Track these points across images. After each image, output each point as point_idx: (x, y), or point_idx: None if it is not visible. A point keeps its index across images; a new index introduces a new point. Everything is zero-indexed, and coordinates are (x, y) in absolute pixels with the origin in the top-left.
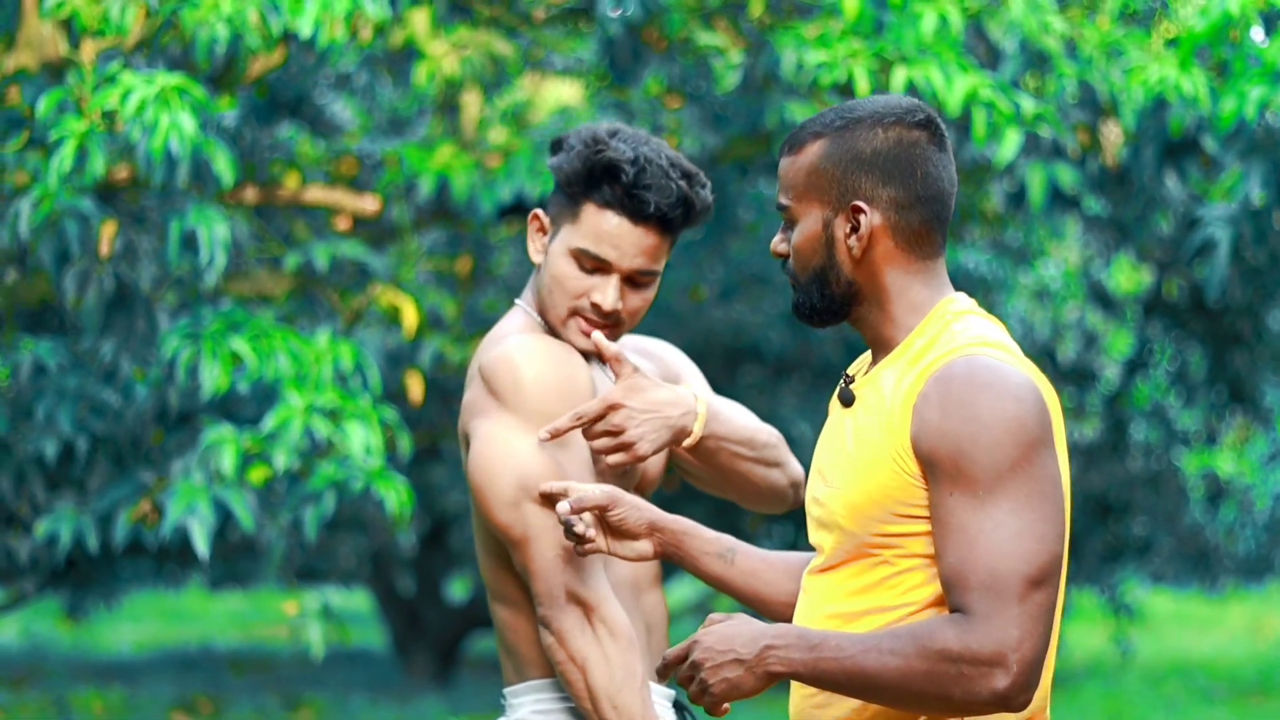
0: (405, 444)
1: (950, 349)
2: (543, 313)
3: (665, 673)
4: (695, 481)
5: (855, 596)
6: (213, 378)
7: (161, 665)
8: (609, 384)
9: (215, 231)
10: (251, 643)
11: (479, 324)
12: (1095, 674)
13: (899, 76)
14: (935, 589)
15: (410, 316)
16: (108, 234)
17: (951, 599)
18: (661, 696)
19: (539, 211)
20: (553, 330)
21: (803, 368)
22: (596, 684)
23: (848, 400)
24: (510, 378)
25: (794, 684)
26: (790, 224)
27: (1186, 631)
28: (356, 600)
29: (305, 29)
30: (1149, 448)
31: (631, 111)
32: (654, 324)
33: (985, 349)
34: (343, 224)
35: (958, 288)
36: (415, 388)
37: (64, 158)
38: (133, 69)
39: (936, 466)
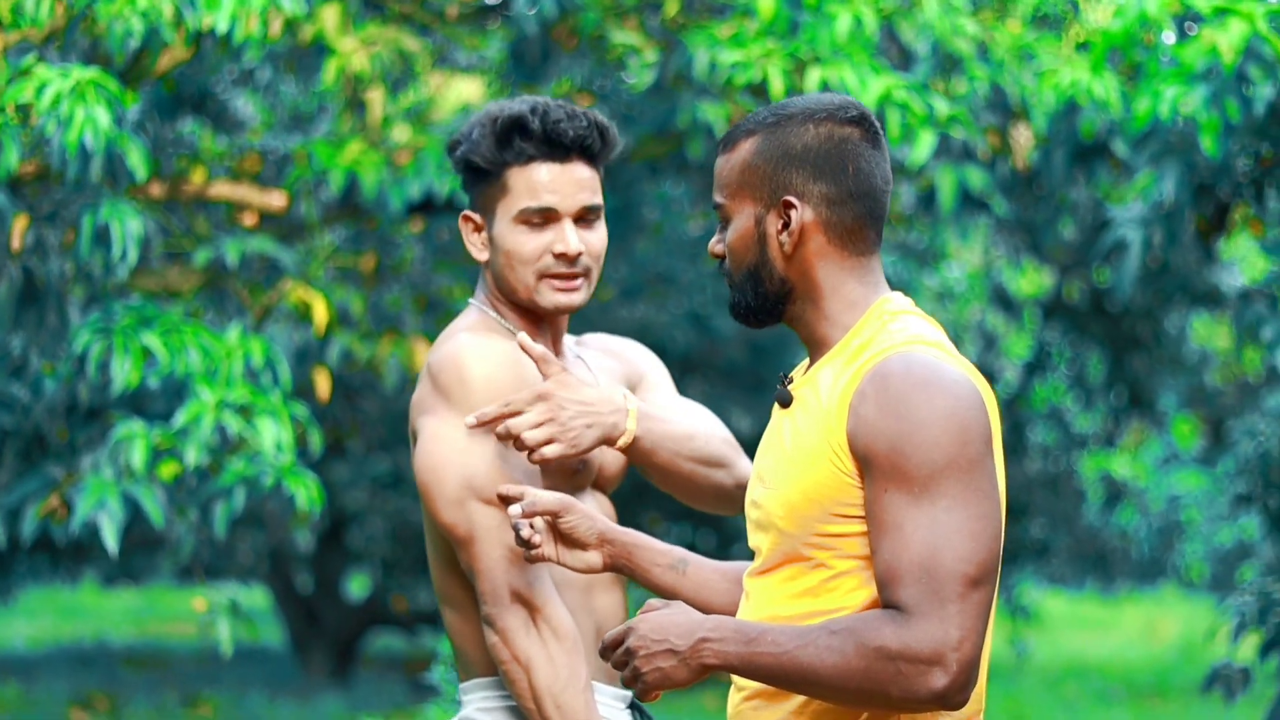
0: (316, 440)
1: (887, 346)
2: (509, 298)
3: (605, 655)
4: (654, 483)
5: (793, 600)
6: (124, 373)
7: (57, 661)
8: None
9: (128, 226)
10: (147, 639)
11: (384, 322)
12: (993, 676)
13: (813, 77)
14: (872, 592)
15: (321, 313)
16: (19, 228)
17: (886, 596)
18: (616, 699)
19: (467, 212)
20: (525, 311)
21: (707, 367)
22: (540, 684)
23: (785, 401)
24: (457, 375)
25: (732, 684)
26: (725, 223)
27: (1082, 633)
28: (254, 597)
29: (222, 24)
30: (1047, 450)
31: None
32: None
33: (922, 347)
34: (249, 220)
35: None
36: (323, 385)
37: None
38: (46, 62)
39: (872, 464)
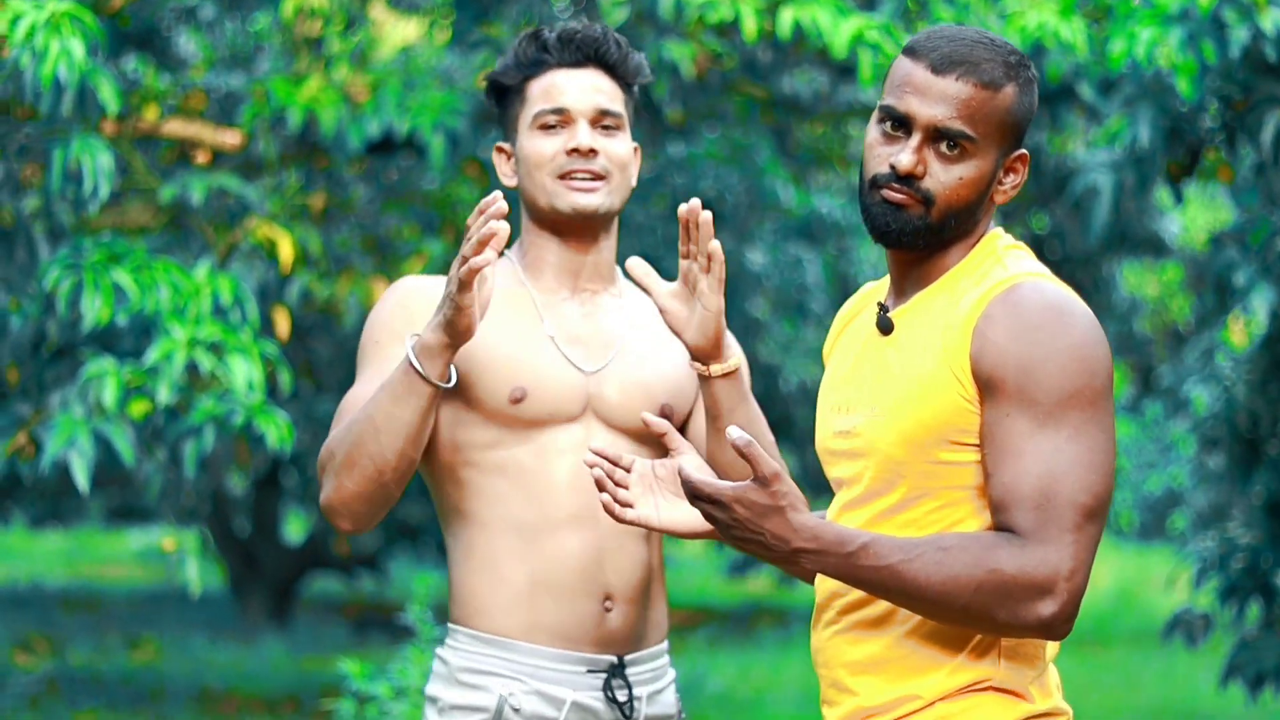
0: (286, 379)
1: (1016, 273)
2: (536, 219)
3: (692, 500)
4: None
5: (898, 531)
6: (94, 310)
7: None
8: (500, 313)
9: (99, 161)
10: (81, 581)
11: (336, 262)
12: None
13: (786, 16)
14: (982, 522)
15: (286, 250)
16: None
17: (1001, 519)
18: (581, 664)
19: (500, 144)
20: (556, 229)
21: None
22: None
23: (887, 328)
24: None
25: (817, 619)
26: (954, 150)
27: None
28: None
29: None
30: None
31: (500, 47)
32: None
33: (1050, 280)
34: (202, 158)
35: (813, 233)
36: (282, 324)
37: None
38: None
39: (997, 388)
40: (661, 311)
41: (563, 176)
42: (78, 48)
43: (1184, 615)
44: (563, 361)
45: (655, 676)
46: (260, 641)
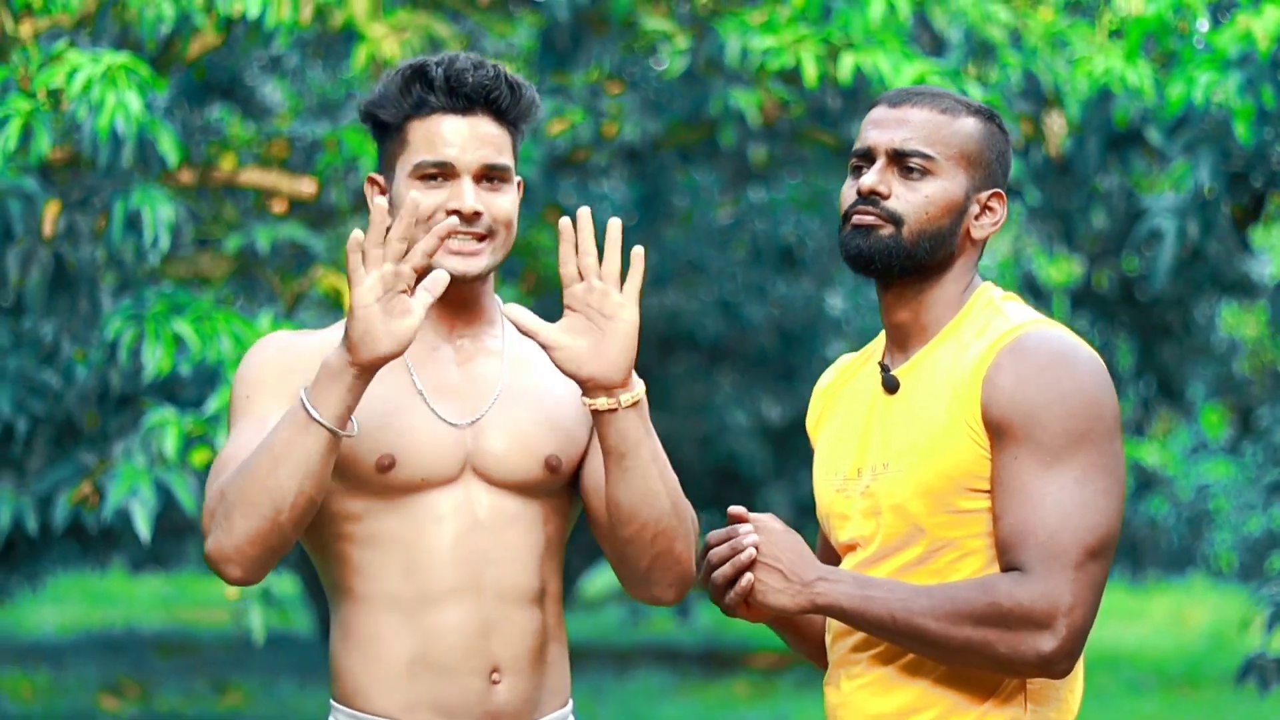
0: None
1: (1019, 323)
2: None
3: (704, 553)
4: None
5: (919, 581)
6: (155, 359)
7: (87, 648)
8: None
9: (160, 212)
10: (176, 625)
11: None
12: None
13: (846, 63)
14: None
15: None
16: (51, 214)
17: (1006, 559)
18: None
19: (372, 174)
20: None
21: (736, 355)
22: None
23: (893, 386)
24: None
25: (835, 675)
26: (918, 172)
27: (1112, 623)
28: (284, 584)
29: (253, 9)
30: None
31: (571, 95)
32: None
33: (1053, 326)
34: (278, 207)
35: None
36: None
37: (9, 137)
38: (77, 48)
39: (1006, 432)
40: (550, 350)
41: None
42: (134, 100)
43: (1257, 660)
44: (433, 419)
45: None
46: None
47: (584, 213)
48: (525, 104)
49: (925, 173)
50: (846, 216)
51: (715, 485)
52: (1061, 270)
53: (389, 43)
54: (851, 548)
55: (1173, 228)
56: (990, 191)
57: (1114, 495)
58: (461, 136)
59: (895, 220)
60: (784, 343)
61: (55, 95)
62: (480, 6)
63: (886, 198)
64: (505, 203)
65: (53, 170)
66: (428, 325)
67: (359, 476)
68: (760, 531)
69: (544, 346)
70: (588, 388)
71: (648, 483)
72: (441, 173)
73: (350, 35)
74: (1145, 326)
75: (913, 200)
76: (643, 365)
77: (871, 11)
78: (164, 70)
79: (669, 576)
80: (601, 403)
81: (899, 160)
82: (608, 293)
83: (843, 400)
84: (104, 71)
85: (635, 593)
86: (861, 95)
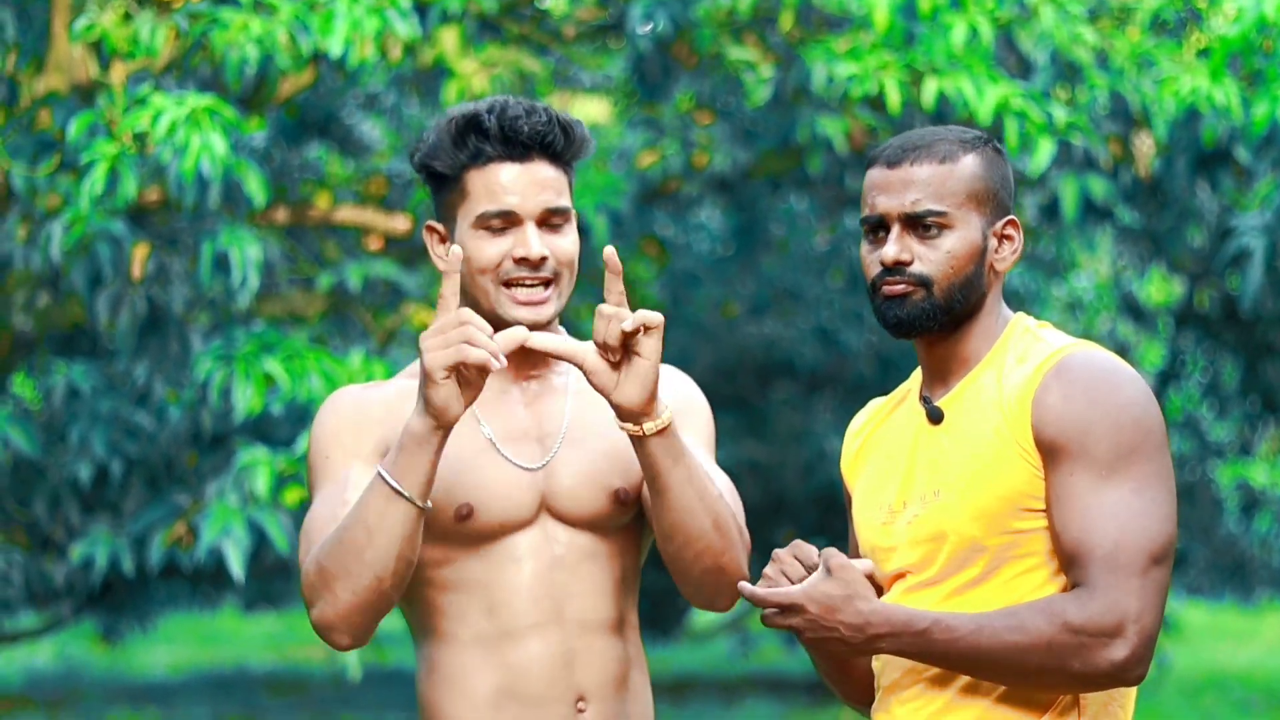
0: None
1: (1060, 347)
2: (475, 311)
3: (766, 620)
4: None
5: (982, 603)
6: (246, 399)
7: (197, 687)
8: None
9: (247, 252)
10: (286, 664)
11: None
12: None
13: (930, 88)
14: (1060, 585)
15: None
16: (140, 256)
17: (1072, 576)
18: None
19: (430, 222)
20: (495, 326)
21: (836, 382)
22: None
23: (937, 417)
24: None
25: (887, 699)
26: (934, 229)
27: (1222, 643)
28: (391, 620)
29: (335, 49)
30: (1183, 459)
31: (661, 128)
32: (686, 341)
33: (1095, 348)
34: (374, 244)
35: None
36: None
37: (95, 180)
38: (163, 91)
39: (1059, 451)
40: (587, 373)
41: (508, 283)
42: (218, 142)
43: None
44: (506, 465)
45: None
46: None
47: (609, 251)
48: (578, 144)
49: (941, 228)
50: (874, 286)
51: (818, 513)
52: (1162, 290)
53: (479, 78)
54: (900, 576)
55: (1261, 245)
56: (1004, 221)
57: (1168, 504)
58: (521, 184)
59: (924, 283)
60: (882, 369)
61: (141, 139)
62: (566, 40)
63: (910, 264)
64: (567, 244)
65: (144, 213)
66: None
67: (440, 527)
68: (808, 600)
69: (581, 365)
70: (617, 413)
71: (684, 502)
72: (505, 221)
73: (441, 72)
74: (1249, 345)
75: (936, 260)
76: (742, 395)
77: (954, 36)
78: (258, 110)
79: (717, 588)
80: (629, 428)
81: (913, 223)
82: (617, 317)
83: (880, 440)
84: (188, 114)
85: (693, 601)
86: (948, 118)
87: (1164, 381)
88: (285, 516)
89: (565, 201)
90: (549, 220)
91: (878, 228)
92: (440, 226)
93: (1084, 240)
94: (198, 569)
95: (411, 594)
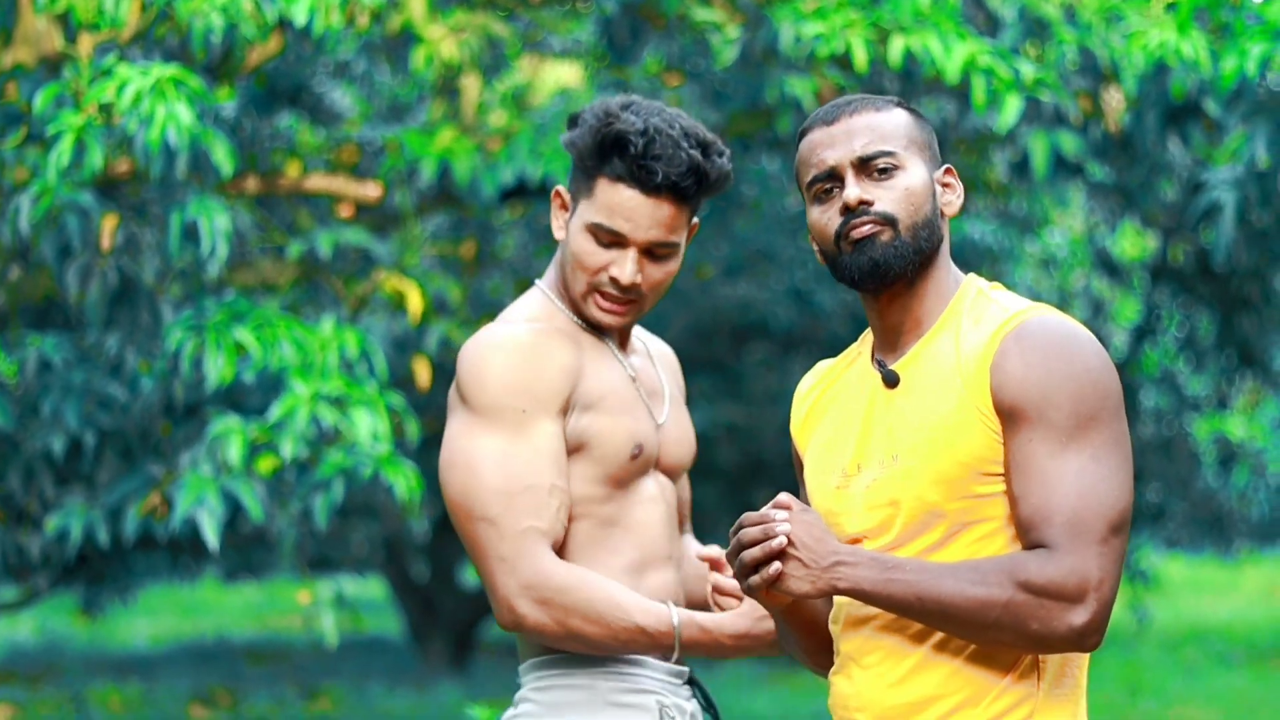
0: (413, 429)
1: (1018, 310)
2: (565, 289)
3: (734, 533)
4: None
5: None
6: (217, 369)
7: (178, 658)
8: (602, 371)
9: (216, 222)
10: (267, 633)
11: (485, 308)
12: (1112, 642)
13: (896, 45)
14: (1019, 548)
15: (415, 302)
16: (109, 227)
17: (1031, 538)
18: (672, 675)
19: (560, 189)
20: (575, 307)
21: (810, 342)
22: (575, 628)
23: (893, 381)
24: (476, 374)
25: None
26: (885, 171)
27: (1202, 597)
28: (371, 588)
29: (300, 17)
30: (1160, 414)
31: (631, 90)
32: (660, 305)
33: (1052, 312)
34: (345, 211)
35: (965, 259)
36: (422, 373)
37: (62, 152)
38: (129, 62)
39: (1019, 416)
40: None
41: (597, 290)
42: (184, 112)
43: None
44: (648, 416)
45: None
46: (437, 688)
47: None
48: (712, 187)
49: (894, 168)
50: (839, 238)
51: (791, 474)
52: (1135, 245)
53: (448, 44)
54: (857, 540)
55: (1232, 199)
56: (942, 168)
57: (1126, 471)
58: (640, 214)
59: (890, 221)
60: (857, 329)
61: (107, 110)
62: (533, 4)
63: (873, 204)
64: (661, 274)
65: (112, 184)
66: (611, 344)
67: (616, 464)
68: (799, 525)
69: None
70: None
71: None
72: (612, 239)
73: (410, 38)
74: (1224, 299)
75: (895, 198)
76: (718, 356)
77: None
78: (228, 80)
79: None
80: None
81: (866, 166)
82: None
83: (832, 403)
84: (153, 84)
85: None
86: (915, 76)
87: (1140, 336)
88: (259, 485)
89: (677, 238)
90: (654, 250)
91: (828, 182)
92: (566, 196)
93: (1055, 196)
94: (174, 539)
95: (570, 531)
